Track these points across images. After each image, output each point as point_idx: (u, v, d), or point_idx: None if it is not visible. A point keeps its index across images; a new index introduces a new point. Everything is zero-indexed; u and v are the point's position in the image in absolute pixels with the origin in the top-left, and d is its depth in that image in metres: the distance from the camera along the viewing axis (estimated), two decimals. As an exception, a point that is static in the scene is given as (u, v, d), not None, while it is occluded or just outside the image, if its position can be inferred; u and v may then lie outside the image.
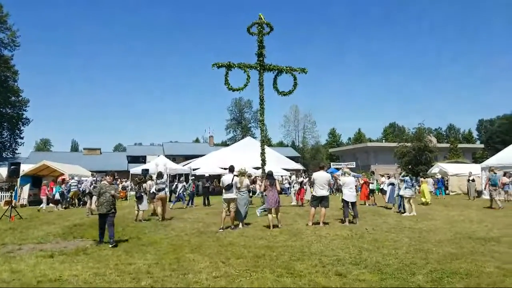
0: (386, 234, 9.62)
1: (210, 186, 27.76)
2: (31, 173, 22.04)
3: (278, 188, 11.27)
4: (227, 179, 10.91)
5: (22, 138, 61.77)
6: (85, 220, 14.25)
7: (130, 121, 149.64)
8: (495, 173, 17.94)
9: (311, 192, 12.22)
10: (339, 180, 12.41)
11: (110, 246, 8.39)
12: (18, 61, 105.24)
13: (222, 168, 35.92)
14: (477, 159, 56.71)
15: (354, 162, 46.04)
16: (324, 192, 11.31)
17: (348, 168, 13.83)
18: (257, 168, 35.52)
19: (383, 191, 18.74)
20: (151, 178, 17.09)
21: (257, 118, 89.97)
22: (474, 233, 9.58)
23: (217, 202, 22.46)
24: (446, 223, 11.70)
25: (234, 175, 11.02)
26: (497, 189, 17.62)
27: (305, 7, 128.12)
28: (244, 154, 38.21)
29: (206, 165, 35.95)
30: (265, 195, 11.97)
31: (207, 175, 26.83)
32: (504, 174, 20.81)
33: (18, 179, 18.73)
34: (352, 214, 12.10)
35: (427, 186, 20.54)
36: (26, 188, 21.86)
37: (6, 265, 6.84)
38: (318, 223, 11.18)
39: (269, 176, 11.43)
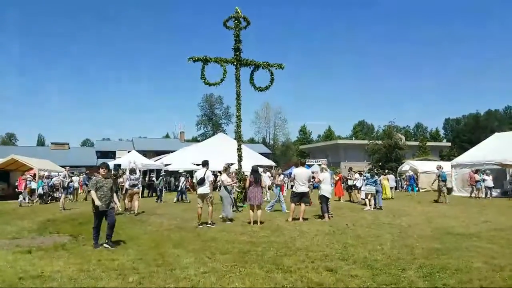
0: (367, 229, 9.81)
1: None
2: (-2, 168, 21.19)
3: (263, 185, 11.30)
4: (199, 173, 10.78)
5: (-16, 131, 59.41)
6: (57, 215, 13.84)
7: (96, 116, 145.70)
8: (442, 169, 19.28)
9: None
10: (318, 176, 12.54)
11: (110, 247, 7.66)
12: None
13: (195, 164, 35.77)
14: (444, 157, 58.62)
15: (325, 159, 46.65)
16: (304, 188, 11.42)
17: (325, 164, 14.02)
18: (230, 164, 35.67)
19: (355, 187, 19.16)
20: (123, 173, 16.96)
21: (228, 114, 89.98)
22: (453, 229, 9.87)
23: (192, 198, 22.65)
24: (423, 219, 12.03)
25: (207, 170, 10.81)
26: (446, 184, 19.14)
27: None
28: (216, 150, 38.12)
29: (178, 161, 35.58)
30: (247, 191, 11.68)
31: (181, 170, 26.51)
32: (476, 172, 21.64)
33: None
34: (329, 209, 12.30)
35: (387, 182, 21.35)
36: (-8, 182, 21.00)
37: (-17, 261, 6.55)
38: (298, 219, 11.29)
39: (255, 172, 11.26)
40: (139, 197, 14.64)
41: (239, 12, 17.48)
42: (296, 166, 11.97)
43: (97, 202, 7.88)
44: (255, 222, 10.73)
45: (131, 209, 14.02)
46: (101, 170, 8.22)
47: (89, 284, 5.29)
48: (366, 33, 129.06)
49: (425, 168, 31.73)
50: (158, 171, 30.52)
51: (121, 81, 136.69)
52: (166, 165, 32.63)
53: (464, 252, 7.06)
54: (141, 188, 15.64)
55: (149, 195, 26.45)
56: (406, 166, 34.85)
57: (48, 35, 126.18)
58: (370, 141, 44.77)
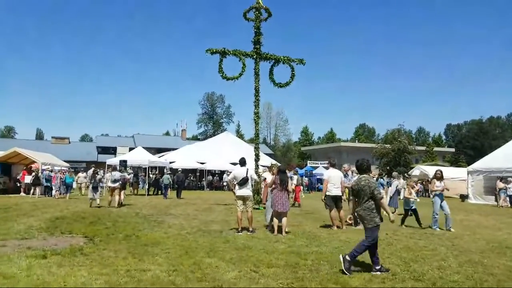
0: (412, 240, 8.89)
1: (185, 180, 27.05)
2: (0, 160, 20.18)
3: (290, 189, 10.10)
4: (241, 172, 9.50)
5: (-15, 124, 58.58)
6: (65, 212, 12.90)
7: (95, 111, 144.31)
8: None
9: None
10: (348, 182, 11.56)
11: None
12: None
13: (199, 162, 34.88)
14: (449, 163, 57.87)
15: (347, 164, 45.73)
16: (338, 191, 10.48)
17: (353, 167, 12.99)
18: (234, 164, 34.82)
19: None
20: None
21: (229, 113, 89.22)
22: (507, 241, 8.99)
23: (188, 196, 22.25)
24: (462, 229, 11.10)
25: (248, 169, 9.59)
26: None
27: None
28: (221, 149, 37.28)
29: (182, 159, 34.72)
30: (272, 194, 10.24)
31: (180, 169, 25.81)
32: (501, 180, 20.77)
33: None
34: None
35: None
36: (-5, 175, 20.07)
37: (-7, 267, 5.59)
38: (330, 226, 10.40)
39: (282, 173, 9.79)
40: (119, 192, 15.91)
41: (260, 2, 16.59)
42: (329, 167, 10.98)
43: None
44: (280, 231, 9.32)
45: (111, 203, 15.45)
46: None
47: (125, 304, 4.36)
48: (367, 32, 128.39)
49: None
50: (161, 169, 29.67)
51: (120, 76, 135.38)
52: (170, 162, 31.71)
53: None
54: (121, 184, 16.20)
55: (154, 193, 25.52)
56: (416, 171, 34.06)
57: (49, 27, 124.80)
58: (378, 145, 43.92)
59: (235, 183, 9.53)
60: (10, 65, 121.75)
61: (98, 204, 15.34)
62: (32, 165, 21.89)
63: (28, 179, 20.76)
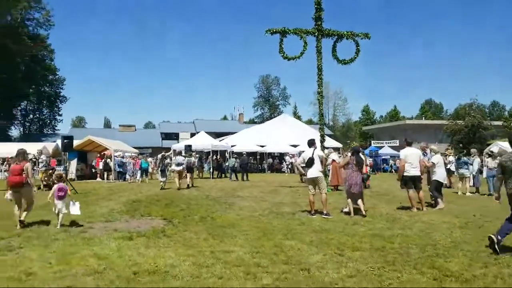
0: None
1: (249, 163, 27.28)
2: (77, 148, 21.51)
3: (364, 170, 9.79)
4: (308, 153, 9.23)
5: (60, 115, 63.26)
6: (139, 196, 13.46)
7: (156, 99, 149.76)
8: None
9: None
10: (425, 161, 10.84)
11: None
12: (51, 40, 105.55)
13: (258, 146, 34.95)
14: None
15: (398, 140, 44.07)
16: (417, 171, 9.88)
17: (435, 145, 12.16)
18: (294, 146, 34.53)
19: (450, 172, 17.17)
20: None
21: (285, 95, 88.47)
22: None
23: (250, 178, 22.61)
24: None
25: (315, 149, 9.23)
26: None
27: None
28: (280, 132, 37.04)
29: (242, 142, 34.97)
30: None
31: (245, 153, 26.04)
32: None
33: (67, 154, 18.15)
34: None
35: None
36: (74, 162, 21.45)
37: (87, 248, 5.87)
38: (409, 208, 9.87)
39: (357, 153, 9.58)
40: (185, 175, 17.01)
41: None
42: (405, 146, 10.34)
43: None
44: (356, 213, 9.04)
45: (180, 185, 16.04)
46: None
47: (216, 284, 4.33)
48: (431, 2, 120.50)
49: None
50: (221, 152, 30.13)
51: (176, 64, 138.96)
52: (231, 146, 32.09)
53: None
54: (188, 168, 17.24)
55: (218, 176, 25.97)
56: (495, 148, 31.73)
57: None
58: (449, 121, 41.41)
59: (303, 165, 9.30)
60: (77, 59, 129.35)
61: (165, 187, 16.29)
62: (105, 152, 23.11)
63: (102, 165, 22.11)
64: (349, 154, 10.45)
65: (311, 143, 9.45)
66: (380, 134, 62.25)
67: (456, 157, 15.64)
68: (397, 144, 41.58)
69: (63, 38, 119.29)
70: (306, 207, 10.11)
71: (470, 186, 14.48)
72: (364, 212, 8.96)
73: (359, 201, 9.16)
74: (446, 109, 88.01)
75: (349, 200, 9.25)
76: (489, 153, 16.63)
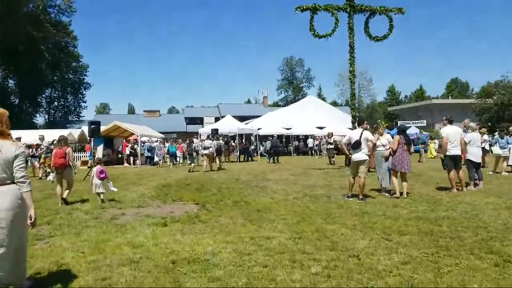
0: None
1: (279, 146, 27.01)
2: (103, 134, 21.58)
3: (412, 149, 9.43)
4: (355, 134, 8.72)
5: (85, 102, 64.16)
6: (169, 180, 13.37)
7: (179, 84, 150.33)
8: None
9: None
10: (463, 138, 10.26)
11: None
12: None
13: (284, 128, 34.49)
14: None
15: (425, 120, 42.88)
16: (458, 151, 9.37)
17: (470, 122, 11.52)
18: (320, 128, 33.94)
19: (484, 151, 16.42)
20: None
21: (309, 77, 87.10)
22: None
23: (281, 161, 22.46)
24: None
25: (363, 130, 8.63)
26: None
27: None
28: (305, 114, 36.44)
29: (268, 125, 34.59)
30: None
31: (275, 136, 25.78)
32: None
33: (93, 140, 18.20)
34: (476, 177, 10.18)
35: (433, 146, 25.53)
36: (100, 148, 21.55)
37: (121, 236, 5.67)
38: (449, 189, 9.40)
39: (403, 132, 9.27)
40: (213, 158, 17.65)
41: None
42: (447, 124, 9.78)
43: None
44: (401, 193, 8.74)
45: (211, 167, 17.12)
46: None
47: (262, 273, 4.06)
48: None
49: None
50: (247, 136, 29.86)
51: (201, 49, 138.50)
52: (258, 129, 31.75)
53: None
54: (213, 151, 17.51)
55: (245, 159, 25.80)
56: (526, 127, 30.47)
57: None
58: (478, 99, 39.94)
59: (349, 147, 8.92)
60: (99, 46, 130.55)
61: (193, 169, 17.33)
62: (131, 137, 23.18)
63: (128, 150, 22.23)
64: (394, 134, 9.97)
65: (360, 121, 9.13)
66: (405, 115, 60.73)
67: (498, 135, 14.94)
68: (424, 124, 40.41)
69: (86, 25, 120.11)
70: (340, 190, 9.81)
71: (509, 165, 13.84)
72: (405, 194, 8.67)
73: (404, 183, 8.86)
74: (472, 88, 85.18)
75: (396, 181, 8.86)
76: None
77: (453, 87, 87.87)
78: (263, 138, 33.83)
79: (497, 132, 18.89)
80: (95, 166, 8.94)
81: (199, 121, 54.45)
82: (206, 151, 17.15)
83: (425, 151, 25.11)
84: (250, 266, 4.28)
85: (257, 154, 28.09)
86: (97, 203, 8.40)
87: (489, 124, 34.92)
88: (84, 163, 22.36)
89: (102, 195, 8.53)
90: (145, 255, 4.72)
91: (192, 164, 17.74)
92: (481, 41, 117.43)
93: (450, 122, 9.84)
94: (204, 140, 18.74)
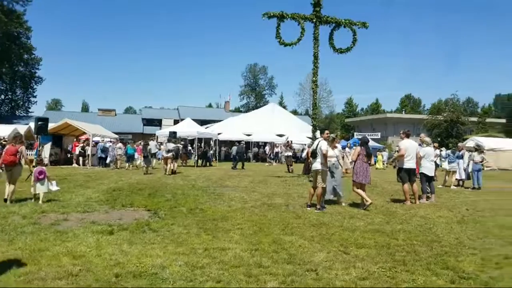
0: (503, 218, 7.95)
1: (243, 151, 26.80)
2: (51, 132, 20.37)
3: (372, 162, 9.47)
4: (314, 144, 8.73)
5: (35, 97, 60.90)
6: (120, 184, 12.70)
7: (137, 84, 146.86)
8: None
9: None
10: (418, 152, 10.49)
11: None
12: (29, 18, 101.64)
13: (245, 134, 34.28)
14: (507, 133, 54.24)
15: (379, 133, 44.26)
16: (413, 164, 9.57)
17: (426, 137, 11.81)
18: (280, 136, 34.05)
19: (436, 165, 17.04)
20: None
21: (272, 84, 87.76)
22: None
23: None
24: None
25: (320, 140, 8.67)
26: None
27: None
28: (267, 121, 36.45)
29: (228, 130, 34.31)
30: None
31: (242, 142, 25.77)
32: None
33: (39, 138, 17.06)
34: (429, 190, 10.45)
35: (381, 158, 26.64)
36: (47, 147, 20.24)
37: (60, 244, 5.16)
38: (403, 201, 9.55)
39: (365, 144, 9.28)
40: (172, 161, 17.31)
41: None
42: (405, 137, 9.94)
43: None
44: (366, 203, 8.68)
45: (167, 170, 16.81)
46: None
47: (215, 290, 3.77)
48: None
49: (494, 145, 29.66)
50: (206, 140, 29.37)
51: (161, 49, 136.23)
52: (218, 134, 31.39)
53: None
54: (174, 155, 17.51)
55: (203, 165, 25.26)
56: (471, 143, 32.23)
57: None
58: (429, 116, 41.82)
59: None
60: (55, 39, 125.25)
61: (150, 172, 17.37)
62: (82, 137, 22.10)
63: (78, 150, 21.13)
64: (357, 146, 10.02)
65: (322, 131, 9.17)
66: (361, 127, 62.61)
67: (450, 151, 15.65)
68: (378, 137, 41.75)
69: (41, 16, 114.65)
70: (298, 199, 9.73)
71: (456, 179, 14.49)
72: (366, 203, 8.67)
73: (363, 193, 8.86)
74: (424, 104, 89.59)
75: (361, 191, 8.83)
76: (476, 147, 16.57)
77: (407, 102, 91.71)
78: (223, 143, 33.47)
79: (443, 148, 19.84)
80: (36, 166, 8.64)
81: (157, 122, 53.27)
82: (169, 154, 17.03)
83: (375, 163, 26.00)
84: (202, 281, 3.98)
85: (216, 159, 27.61)
86: (36, 207, 7.81)
87: (439, 139, 36.60)
88: (30, 161, 20.99)
89: (41, 195, 8.35)
90: (86, 267, 4.28)
91: (146, 167, 17.47)
92: (435, 60, 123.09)
93: (407, 136, 10.03)
94: (167, 142, 18.78)
